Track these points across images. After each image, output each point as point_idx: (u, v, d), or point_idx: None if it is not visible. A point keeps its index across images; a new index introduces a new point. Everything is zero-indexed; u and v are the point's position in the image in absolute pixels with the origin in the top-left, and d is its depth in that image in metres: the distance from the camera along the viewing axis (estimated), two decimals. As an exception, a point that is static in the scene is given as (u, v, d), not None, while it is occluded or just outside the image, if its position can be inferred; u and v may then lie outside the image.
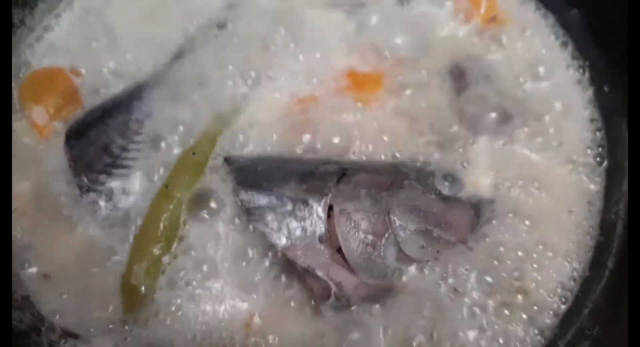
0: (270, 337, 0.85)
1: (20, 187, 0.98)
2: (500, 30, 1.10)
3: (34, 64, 1.08)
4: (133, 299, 0.85)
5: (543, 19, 1.11)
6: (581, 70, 1.05)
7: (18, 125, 1.02)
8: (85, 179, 0.93)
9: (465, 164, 0.97)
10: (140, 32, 1.09)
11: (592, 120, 1.02)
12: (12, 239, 0.92)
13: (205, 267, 0.89)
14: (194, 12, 1.11)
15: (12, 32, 1.07)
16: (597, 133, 1.01)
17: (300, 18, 1.10)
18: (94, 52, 1.07)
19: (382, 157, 0.96)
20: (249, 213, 0.86)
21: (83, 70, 1.06)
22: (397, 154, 0.97)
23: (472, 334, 0.85)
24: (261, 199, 0.86)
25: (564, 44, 1.08)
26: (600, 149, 0.98)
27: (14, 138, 1.00)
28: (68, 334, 0.86)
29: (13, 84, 1.05)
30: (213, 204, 0.92)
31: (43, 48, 1.09)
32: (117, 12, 1.11)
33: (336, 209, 0.86)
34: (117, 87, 1.03)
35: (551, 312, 0.87)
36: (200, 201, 0.92)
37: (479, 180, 0.96)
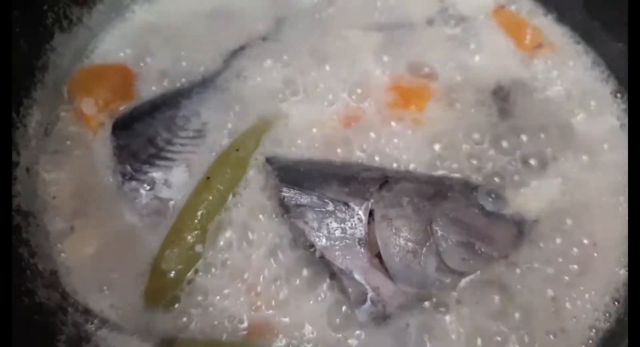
0: (298, 334, 0.82)
1: (63, 175, 0.99)
2: (546, 59, 1.11)
3: (88, 60, 1.11)
4: (161, 284, 0.84)
5: (584, 52, 1.12)
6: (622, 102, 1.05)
7: (65, 115, 1.04)
8: (128, 168, 0.94)
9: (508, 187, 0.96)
10: (197, 36, 1.13)
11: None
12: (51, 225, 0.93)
13: (238, 261, 0.87)
14: (248, 22, 1.14)
15: (69, 29, 1.11)
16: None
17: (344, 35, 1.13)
18: (151, 52, 1.10)
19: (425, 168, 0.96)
20: (289, 210, 0.86)
21: (137, 69, 1.09)
22: (439, 166, 0.96)
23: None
24: (303, 198, 0.86)
25: (607, 77, 1.08)
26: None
27: (60, 127, 1.02)
28: (93, 315, 0.84)
29: (65, 79, 1.08)
30: (251, 201, 0.91)
31: (99, 46, 1.13)
32: (177, 15, 1.14)
33: (377, 215, 0.85)
34: (171, 86, 1.06)
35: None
36: (240, 197, 0.92)
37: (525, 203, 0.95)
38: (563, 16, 1.15)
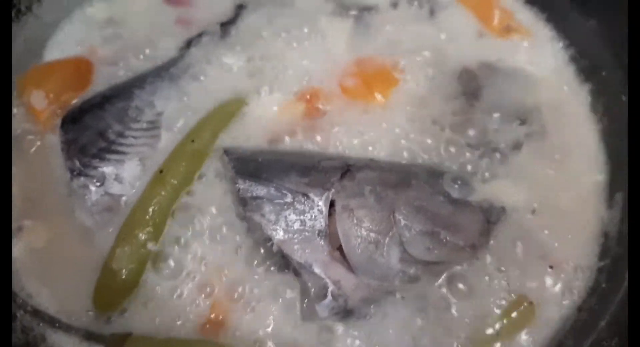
0: (256, 331, 0.78)
1: (15, 171, 0.93)
2: (514, 41, 1.07)
3: (40, 53, 1.06)
4: (112, 284, 0.80)
5: (554, 32, 1.09)
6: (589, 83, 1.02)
7: (15, 110, 0.99)
8: (77, 163, 0.89)
9: (476, 173, 0.92)
10: (153, 24, 1.08)
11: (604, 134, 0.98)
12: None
13: (193, 258, 0.83)
14: (205, 9, 1.10)
15: (17, 18, 1.05)
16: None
17: (312, 22, 1.08)
18: (107, 42, 1.06)
19: (389, 157, 0.93)
20: (245, 203, 0.81)
21: (93, 59, 1.04)
22: (406, 155, 0.92)
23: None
24: (259, 189, 0.81)
25: (578, 58, 1.05)
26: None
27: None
28: (43, 316, 0.80)
29: (17, 74, 1.02)
30: (207, 195, 0.87)
31: (53, 37, 1.08)
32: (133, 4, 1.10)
33: (338, 205, 0.81)
34: (126, 76, 1.01)
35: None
36: (197, 191, 0.88)
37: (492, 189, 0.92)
38: (531, -5, 1.11)
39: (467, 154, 0.94)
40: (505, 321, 0.79)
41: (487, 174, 0.92)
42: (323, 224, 0.80)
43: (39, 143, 0.96)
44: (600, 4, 1.01)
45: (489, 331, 0.79)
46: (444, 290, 0.82)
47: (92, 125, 0.92)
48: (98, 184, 0.88)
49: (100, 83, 1.01)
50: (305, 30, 1.07)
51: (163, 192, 0.86)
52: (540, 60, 1.06)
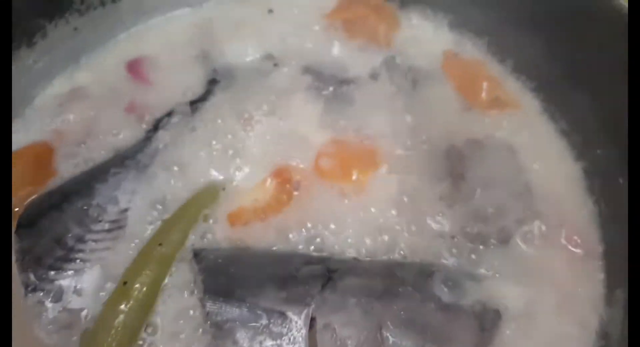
0: None
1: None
2: (502, 114, 1.02)
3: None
4: None
5: (543, 105, 1.03)
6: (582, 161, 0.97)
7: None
8: (32, 276, 0.81)
9: (466, 268, 0.86)
10: (118, 103, 1.01)
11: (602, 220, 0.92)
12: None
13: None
14: (173, 86, 1.03)
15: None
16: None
17: (286, 97, 1.02)
18: (68, 124, 0.99)
19: (372, 252, 0.86)
20: (216, 327, 0.74)
21: (56, 144, 0.97)
22: (389, 246, 0.86)
23: None
24: (231, 312, 0.74)
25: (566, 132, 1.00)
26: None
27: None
28: None
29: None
30: (179, 306, 0.80)
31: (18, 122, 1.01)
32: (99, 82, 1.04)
33: (320, 323, 0.74)
34: (88, 163, 0.94)
35: None
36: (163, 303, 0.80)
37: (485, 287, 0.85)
38: (520, 64, 1.06)
39: (456, 249, 0.87)
40: None
41: (479, 270, 0.86)
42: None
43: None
44: (592, 77, 0.95)
45: None
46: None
47: (49, 229, 0.85)
48: (55, 300, 0.80)
49: (61, 174, 0.93)
50: (280, 106, 1.01)
51: (127, 308, 0.78)
52: (530, 134, 1.00)
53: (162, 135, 0.97)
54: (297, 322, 0.74)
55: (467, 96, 1.02)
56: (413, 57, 1.08)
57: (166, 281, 0.82)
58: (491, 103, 1.03)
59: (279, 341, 0.73)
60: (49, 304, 0.80)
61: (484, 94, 1.03)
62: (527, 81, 1.06)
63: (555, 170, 0.97)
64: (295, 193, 0.90)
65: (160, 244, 0.83)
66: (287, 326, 0.73)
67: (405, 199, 0.92)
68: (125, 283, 0.80)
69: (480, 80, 1.03)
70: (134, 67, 1.05)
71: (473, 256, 0.88)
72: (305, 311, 0.74)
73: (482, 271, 0.86)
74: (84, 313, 0.80)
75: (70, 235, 0.84)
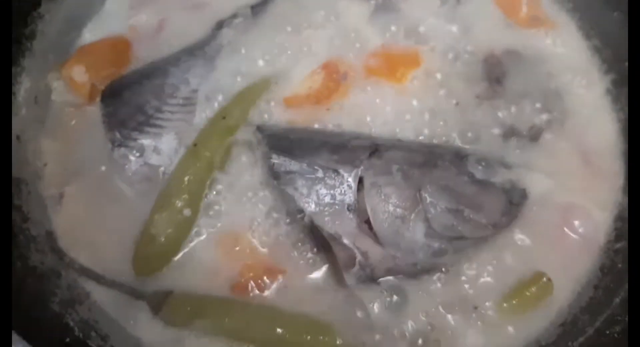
0: (289, 298, 0.83)
1: (54, 143, 0.98)
2: (539, 30, 1.10)
3: (81, 31, 1.10)
4: (151, 249, 0.84)
5: (579, 22, 1.11)
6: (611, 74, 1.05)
7: (57, 84, 1.03)
8: (117, 134, 0.93)
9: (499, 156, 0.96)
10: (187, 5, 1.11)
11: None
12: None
13: (229, 225, 0.88)
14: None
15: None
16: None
17: (340, 7, 1.11)
18: (145, 21, 1.09)
19: (413, 137, 0.97)
20: (278, 177, 0.85)
21: (132, 36, 1.08)
22: (429, 135, 0.96)
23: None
24: (292, 165, 0.85)
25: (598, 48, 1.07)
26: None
27: (52, 95, 1.01)
28: (87, 273, 0.84)
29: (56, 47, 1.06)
30: (241, 167, 0.92)
31: (93, 15, 1.12)
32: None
33: (367, 182, 0.85)
34: (163, 54, 1.04)
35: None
36: (227, 162, 0.92)
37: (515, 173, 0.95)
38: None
39: (490, 138, 0.97)
40: (522, 295, 0.83)
41: (509, 158, 0.95)
42: (352, 198, 0.83)
43: (79, 115, 1.00)
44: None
45: (505, 304, 0.83)
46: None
47: (131, 100, 0.96)
48: (138, 154, 0.92)
49: (139, 61, 1.04)
50: (331, 15, 1.09)
51: (198, 164, 0.90)
52: (564, 49, 1.08)
53: (226, 33, 1.08)
54: (348, 178, 0.84)
55: (507, 13, 1.10)
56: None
57: (233, 148, 0.94)
58: (530, 21, 1.10)
59: (332, 192, 0.84)
60: (132, 158, 0.92)
61: (523, 12, 1.10)
62: (564, 2, 1.13)
63: (586, 82, 1.05)
64: (343, 82, 1.00)
65: (224, 117, 0.95)
66: (340, 180, 0.84)
67: (443, 94, 1.01)
68: (195, 145, 0.92)
69: (520, 1, 1.11)
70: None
71: (505, 148, 0.97)
72: (354, 171, 0.85)
73: (513, 160, 0.95)
74: (161, 169, 0.93)
75: (149, 105, 0.96)
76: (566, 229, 0.90)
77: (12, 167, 0.91)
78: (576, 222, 0.90)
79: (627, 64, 1.03)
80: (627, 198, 0.94)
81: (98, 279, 0.85)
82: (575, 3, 1.12)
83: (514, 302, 0.83)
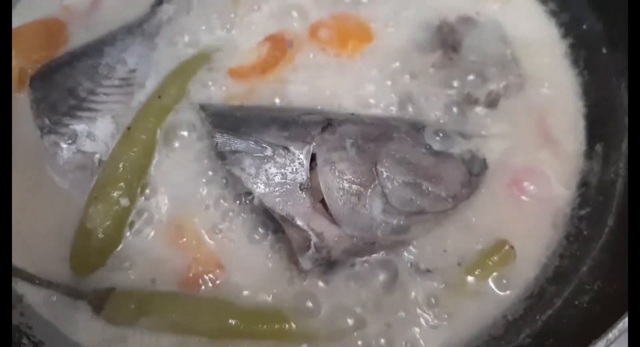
0: (238, 285, 0.78)
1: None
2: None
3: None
4: (90, 244, 0.77)
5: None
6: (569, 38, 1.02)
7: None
8: (46, 120, 0.85)
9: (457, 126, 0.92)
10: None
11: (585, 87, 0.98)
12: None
13: (173, 214, 0.81)
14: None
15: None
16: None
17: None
18: (76, 1, 1.01)
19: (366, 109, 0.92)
20: (224, 157, 0.79)
21: (66, 18, 1.00)
22: (385, 108, 0.91)
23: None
24: (238, 143, 0.79)
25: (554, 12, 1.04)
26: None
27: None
28: (20, 274, 0.77)
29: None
30: (184, 150, 0.85)
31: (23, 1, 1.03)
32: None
33: (320, 159, 0.80)
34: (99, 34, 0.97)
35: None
36: (167, 144, 0.86)
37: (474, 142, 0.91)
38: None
39: (447, 108, 0.93)
40: (484, 264, 0.79)
41: (468, 128, 0.92)
42: (304, 177, 0.78)
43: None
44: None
45: (469, 276, 0.80)
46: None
47: (61, 83, 0.88)
48: (70, 141, 0.85)
49: (75, 43, 0.97)
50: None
51: (134, 149, 0.84)
52: (520, 14, 1.05)
53: (167, 9, 1.00)
54: (299, 155, 0.79)
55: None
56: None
57: (177, 128, 0.87)
58: (483, -15, 1.06)
59: (282, 170, 0.78)
60: (64, 145, 0.85)
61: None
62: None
63: (543, 47, 1.02)
64: (289, 49, 0.94)
65: (159, 96, 0.88)
66: (290, 158, 0.79)
67: (400, 66, 0.96)
68: (129, 128, 0.85)
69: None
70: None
71: (463, 117, 0.93)
72: (306, 148, 0.80)
73: (472, 128, 0.92)
74: (97, 156, 0.86)
75: (81, 87, 0.88)
76: (524, 197, 0.87)
77: None
78: (535, 187, 0.87)
79: (584, 26, 1.00)
80: (590, 163, 0.91)
81: (32, 279, 0.78)
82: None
83: (476, 272, 0.80)
